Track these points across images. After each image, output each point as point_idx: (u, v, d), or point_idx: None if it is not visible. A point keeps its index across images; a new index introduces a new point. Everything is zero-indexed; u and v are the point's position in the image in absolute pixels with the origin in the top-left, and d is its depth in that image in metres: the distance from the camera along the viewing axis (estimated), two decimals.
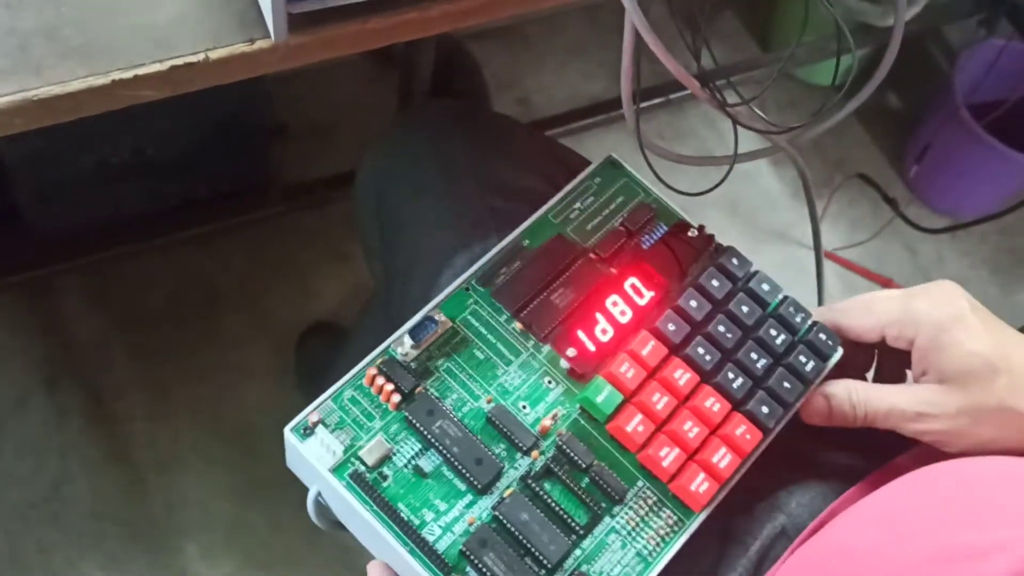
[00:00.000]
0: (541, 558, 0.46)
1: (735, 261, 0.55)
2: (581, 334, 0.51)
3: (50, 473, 1.14)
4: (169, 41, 0.46)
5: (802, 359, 0.53)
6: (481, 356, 0.51)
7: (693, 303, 0.53)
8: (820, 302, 0.64)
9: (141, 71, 0.46)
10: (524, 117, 1.48)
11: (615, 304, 0.53)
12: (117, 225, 1.21)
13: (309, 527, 0.93)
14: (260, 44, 0.47)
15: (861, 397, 0.51)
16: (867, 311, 0.52)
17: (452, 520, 0.46)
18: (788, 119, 1.72)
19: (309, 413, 0.48)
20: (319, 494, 0.48)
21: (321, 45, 0.48)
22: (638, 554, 0.48)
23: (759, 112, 0.52)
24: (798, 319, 0.54)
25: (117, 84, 0.45)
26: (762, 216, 1.47)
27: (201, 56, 0.46)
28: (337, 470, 0.46)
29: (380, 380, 0.48)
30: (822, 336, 0.54)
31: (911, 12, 1.69)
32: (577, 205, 0.57)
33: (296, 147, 1.33)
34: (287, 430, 0.47)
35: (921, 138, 1.54)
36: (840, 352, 0.55)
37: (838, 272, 1.47)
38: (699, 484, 0.48)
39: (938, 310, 0.49)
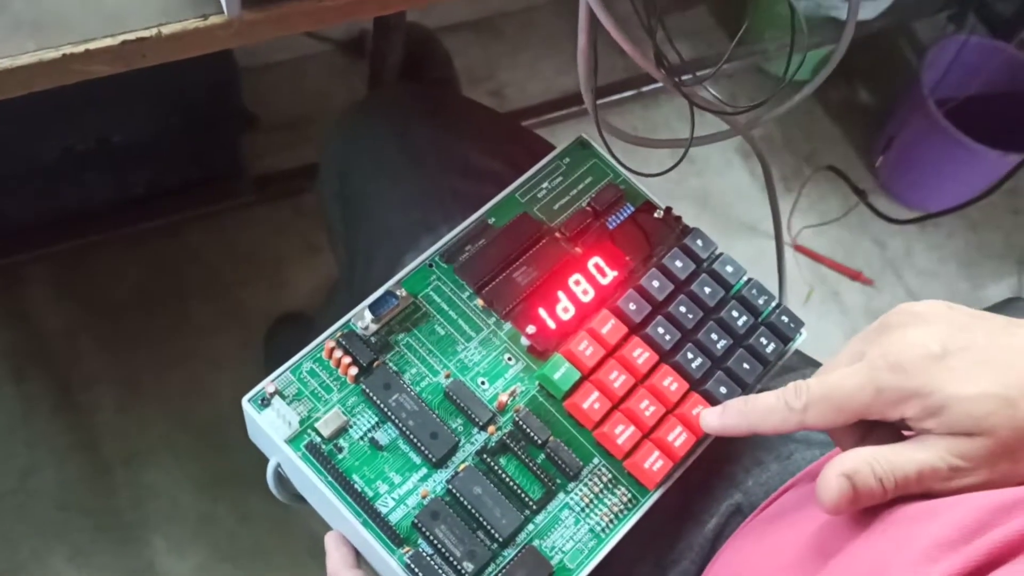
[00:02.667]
0: (493, 532, 0.46)
1: (699, 242, 0.56)
2: (542, 312, 0.51)
3: (17, 464, 1.13)
4: (121, 15, 0.46)
5: (763, 341, 0.53)
6: (442, 332, 0.51)
7: (655, 283, 0.53)
8: (781, 288, 0.62)
9: (93, 45, 0.45)
10: (497, 110, 1.48)
11: (577, 283, 0.53)
12: (85, 214, 1.20)
13: (277, 519, 0.93)
14: (213, 20, 0.47)
15: (885, 467, 0.41)
16: (837, 409, 0.43)
17: (406, 493, 0.46)
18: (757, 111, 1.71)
19: (267, 384, 0.47)
20: (279, 466, 0.48)
21: (276, 22, 0.48)
22: (591, 530, 0.48)
23: (713, 92, 0.52)
24: (761, 301, 0.55)
25: (68, 58, 0.45)
26: (733, 209, 1.48)
27: (153, 31, 0.46)
28: (293, 441, 0.46)
29: (338, 353, 0.48)
30: (784, 319, 0.54)
31: (879, 8, 1.70)
32: (545, 185, 0.57)
33: (268, 138, 1.33)
34: (245, 400, 0.47)
35: (888, 130, 1.55)
36: (803, 336, 0.55)
37: (808, 264, 1.48)
38: (653, 462, 0.49)
39: (911, 378, 0.40)
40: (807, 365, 0.61)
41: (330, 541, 0.48)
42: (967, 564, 0.36)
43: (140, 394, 1.19)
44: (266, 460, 0.49)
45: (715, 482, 0.54)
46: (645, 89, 1.44)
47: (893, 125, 1.54)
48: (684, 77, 0.50)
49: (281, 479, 0.49)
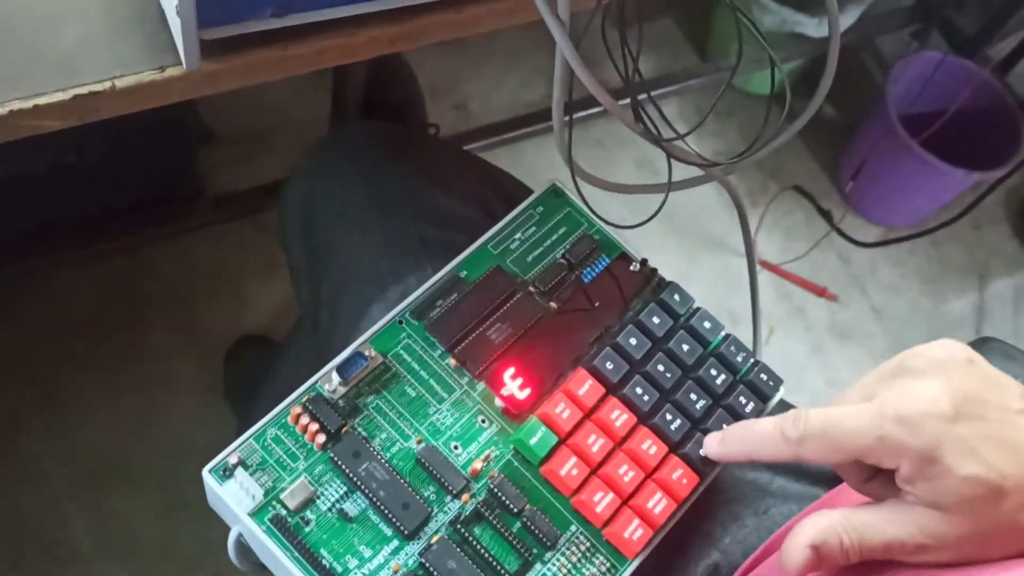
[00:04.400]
0: None
1: (677, 297, 0.54)
2: (513, 374, 0.50)
3: None
4: (73, 68, 0.43)
5: (742, 400, 0.52)
6: (413, 393, 0.49)
7: (632, 340, 0.52)
8: (755, 337, 0.61)
9: (42, 100, 0.43)
10: (462, 124, 1.46)
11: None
12: (38, 236, 1.16)
13: None
14: (171, 72, 0.44)
15: (853, 538, 0.41)
16: (833, 448, 0.42)
17: (376, 567, 0.44)
18: (727, 128, 1.72)
19: (229, 454, 0.45)
20: (240, 536, 0.46)
21: (238, 72, 0.45)
22: None
23: (692, 147, 0.51)
24: (739, 358, 0.53)
25: (16, 114, 0.42)
26: (700, 225, 1.47)
27: (107, 84, 0.43)
28: (257, 514, 0.44)
29: (305, 419, 0.46)
30: (763, 376, 0.53)
31: (845, 23, 1.71)
32: (518, 235, 0.55)
33: (226, 154, 1.30)
34: (205, 471, 0.45)
35: (856, 153, 1.56)
36: (782, 392, 0.54)
37: (773, 280, 1.48)
38: (633, 531, 0.47)
39: (917, 435, 0.39)
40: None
41: None
42: None
43: (95, 419, 1.15)
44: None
45: (692, 540, 0.53)
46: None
47: (862, 147, 1.54)
48: (669, 136, 0.49)
49: (243, 548, 0.47)
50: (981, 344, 0.73)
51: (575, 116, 1.38)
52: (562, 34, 0.44)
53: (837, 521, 0.42)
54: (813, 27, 1.53)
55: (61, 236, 1.16)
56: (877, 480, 0.44)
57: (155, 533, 1.10)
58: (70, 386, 1.16)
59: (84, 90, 0.43)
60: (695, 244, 1.46)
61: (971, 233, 1.63)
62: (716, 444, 0.47)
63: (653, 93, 0.58)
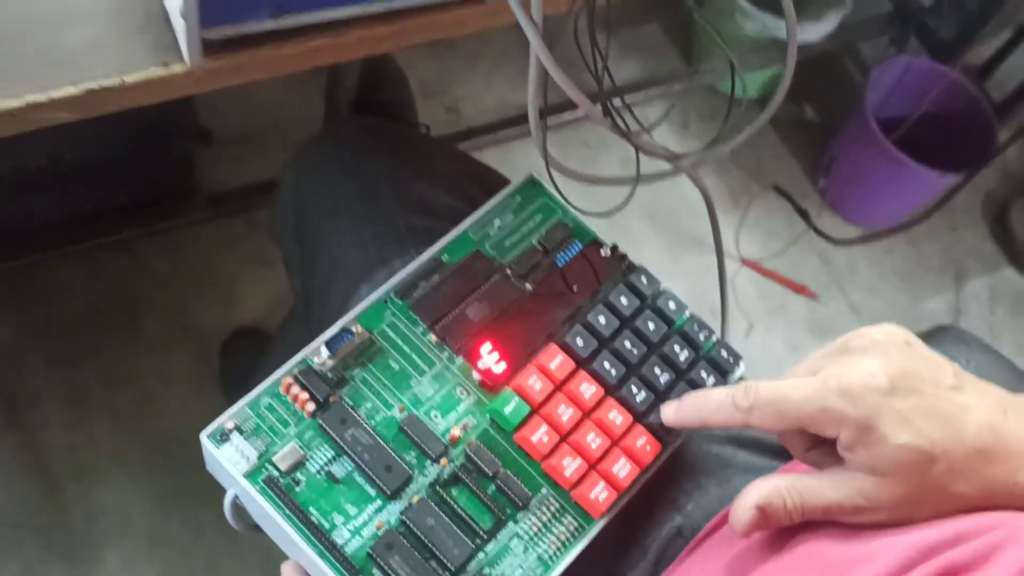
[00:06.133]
0: (445, 561, 0.48)
1: (644, 280, 0.58)
2: (491, 347, 0.54)
3: None
4: (84, 65, 0.47)
5: (703, 374, 0.56)
6: (396, 367, 0.53)
7: (601, 319, 0.55)
8: (723, 322, 0.64)
9: (56, 94, 0.46)
10: (452, 125, 1.50)
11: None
12: (36, 231, 1.19)
13: (230, 535, 0.94)
14: (175, 68, 0.48)
15: (796, 500, 0.45)
16: (780, 416, 0.46)
17: (361, 524, 0.48)
18: (708, 130, 1.76)
19: (225, 420, 0.49)
20: (236, 497, 0.50)
21: (236, 70, 0.49)
22: (539, 558, 0.50)
23: (659, 143, 0.55)
24: (701, 336, 0.57)
25: (31, 107, 0.46)
26: (682, 223, 1.52)
27: (116, 80, 0.47)
28: (251, 475, 0.48)
29: (296, 389, 0.50)
30: (723, 353, 0.57)
31: (824, 30, 1.74)
32: (496, 222, 0.59)
33: (221, 152, 1.33)
34: (203, 435, 0.49)
35: (830, 150, 1.60)
36: (742, 368, 0.58)
37: (755, 279, 1.52)
38: (599, 492, 0.51)
39: (857, 406, 0.43)
40: None
41: (286, 571, 0.50)
42: None
43: (91, 411, 1.18)
44: (221, 486, 0.50)
45: (657, 505, 0.57)
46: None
47: (836, 144, 1.59)
48: (634, 129, 0.53)
49: (238, 510, 0.51)
50: (939, 331, 0.77)
51: (558, 117, 1.43)
52: (535, 34, 0.48)
53: (781, 485, 0.46)
54: None
55: (56, 231, 1.20)
56: (818, 450, 0.48)
57: (149, 521, 1.14)
58: (66, 378, 1.19)
59: (95, 85, 0.47)
60: (678, 242, 1.50)
61: (948, 234, 1.67)
62: (673, 411, 0.51)
63: (636, 96, 0.62)
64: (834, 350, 0.47)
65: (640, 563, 0.55)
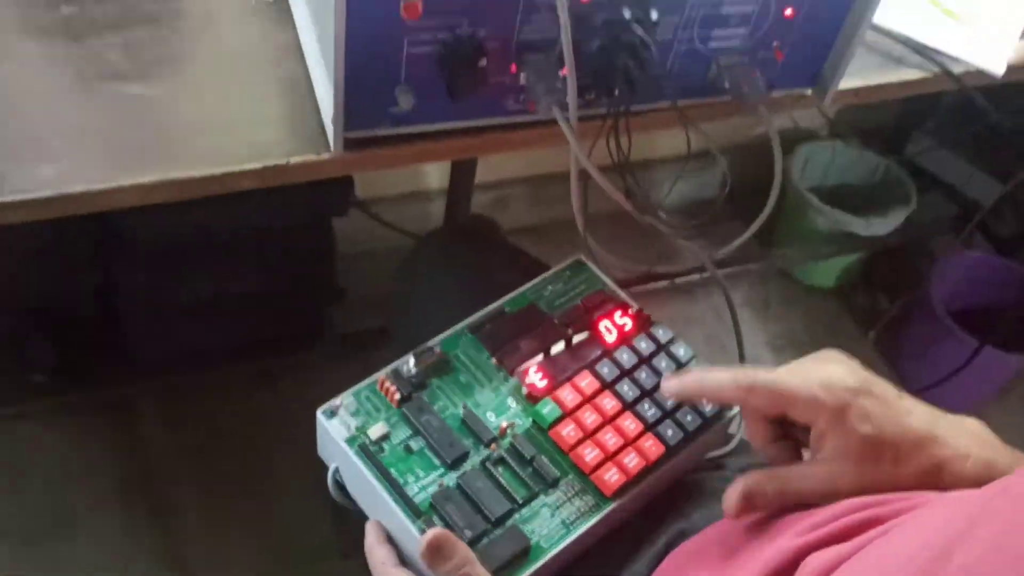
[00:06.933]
0: (488, 515, 0.62)
1: (661, 332, 0.74)
2: (539, 371, 0.70)
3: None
4: (265, 150, 0.69)
5: (704, 401, 0.70)
6: (463, 380, 0.70)
7: (625, 356, 0.71)
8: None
9: (245, 167, 0.68)
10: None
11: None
12: (198, 354, 1.43)
13: None
14: (324, 156, 0.70)
15: (776, 487, 0.58)
16: (774, 398, 0.59)
17: (428, 483, 0.64)
18: (791, 317, 1.89)
19: (336, 401, 0.66)
20: (336, 470, 0.66)
21: (365, 160, 0.71)
22: (562, 522, 0.64)
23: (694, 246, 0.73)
24: None
25: (227, 175, 0.68)
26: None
27: (284, 160, 0.69)
28: (349, 440, 0.65)
29: (388, 384, 0.67)
30: None
31: (891, 225, 1.91)
32: (550, 287, 0.77)
33: (352, 306, 1.57)
34: (319, 412, 0.66)
35: (902, 340, 1.72)
36: (736, 407, 0.72)
37: None
38: (611, 476, 0.65)
39: (835, 398, 0.56)
40: (743, 453, 0.76)
41: (371, 530, 0.65)
42: (822, 537, 0.53)
43: (221, 522, 1.36)
44: None
45: (664, 512, 0.70)
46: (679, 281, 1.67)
47: (906, 332, 1.70)
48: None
49: (337, 484, 0.67)
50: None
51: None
52: (600, 177, 0.68)
53: (764, 475, 0.60)
54: (861, 226, 1.75)
55: (216, 355, 1.44)
56: (778, 444, 0.62)
57: None
58: (209, 488, 1.39)
59: (271, 163, 0.69)
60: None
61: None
62: (676, 382, 0.64)
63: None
64: (810, 359, 0.61)
65: (646, 555, 0.67)
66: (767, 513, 0.60)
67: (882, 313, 1.83)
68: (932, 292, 1.65)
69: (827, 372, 0.59)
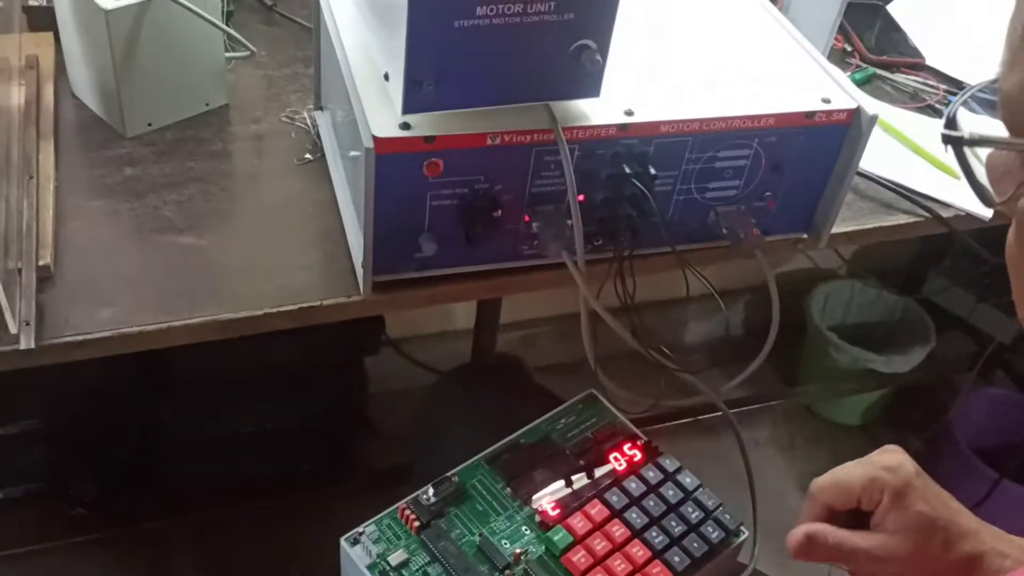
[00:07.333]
0: None
1: (668, 462, 0.78)
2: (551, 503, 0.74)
3: None
4: (300, 293, 0.76)
5: (709, 529, 0.74)
6: (480, 508, 0.74)
7: (633, 485, 0.75)
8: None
9: (281, 308, 0.75)
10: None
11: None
12: (230, 487, 1.47)
13: None
14: (354, 298, 0.76)
15: (835, 539, 0.65)
16: (841, 491, 0.66)
17: None
18: (815, 454, 1.91)
19: (359, 530, 0.70)
20: None
21: (391, 302, 0.77)
22: None
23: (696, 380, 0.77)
24: (710, 503, 0.76)
25: (266, 315, 0.75)
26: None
27: (318, 303, 0.76)
28: (371, 567, 0.68)
29: (408, 513, 0.71)
30: (727, 516, 0.75)
31: (910, 364, 1.93)
32: (563, 420, 0.82)
33: (377, 442, 1.61)
34: (343, 539, 0.70)
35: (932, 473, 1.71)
36: (745, 535, 0.75)
37: None
38: None
39: (896, 477, 0.65)
40: None
41: None
42: None
43: None
44: None
45: None
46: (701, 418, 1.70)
47: (929, 461, 1.70)
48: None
49: None
50: None
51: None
52: (613, 323, 0.74)
53: (828, 527, 0.66)
54: (882, 364, 1.77)
55: (245, 490, 1.48)
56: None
57: None
58: None
59: (306, 305, 0.75)
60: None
61: None
62: (794, 544, 0.67)
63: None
64: (875, 452, 0.69)
65: None
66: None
67: (908, 449, 1.83)
68: (955, 428, 1.66)
69: (891, 459, 0.66)
